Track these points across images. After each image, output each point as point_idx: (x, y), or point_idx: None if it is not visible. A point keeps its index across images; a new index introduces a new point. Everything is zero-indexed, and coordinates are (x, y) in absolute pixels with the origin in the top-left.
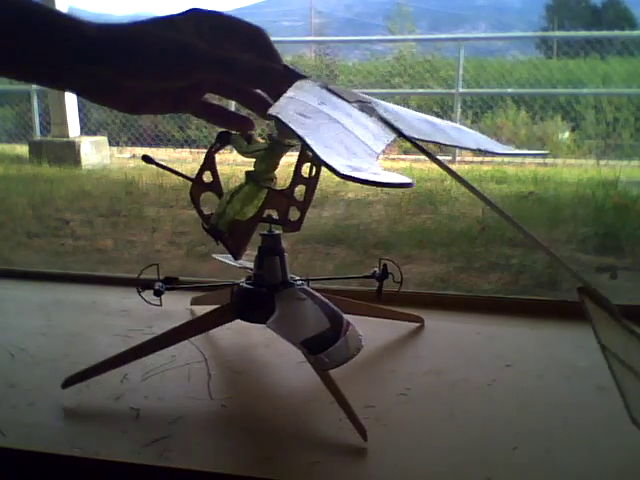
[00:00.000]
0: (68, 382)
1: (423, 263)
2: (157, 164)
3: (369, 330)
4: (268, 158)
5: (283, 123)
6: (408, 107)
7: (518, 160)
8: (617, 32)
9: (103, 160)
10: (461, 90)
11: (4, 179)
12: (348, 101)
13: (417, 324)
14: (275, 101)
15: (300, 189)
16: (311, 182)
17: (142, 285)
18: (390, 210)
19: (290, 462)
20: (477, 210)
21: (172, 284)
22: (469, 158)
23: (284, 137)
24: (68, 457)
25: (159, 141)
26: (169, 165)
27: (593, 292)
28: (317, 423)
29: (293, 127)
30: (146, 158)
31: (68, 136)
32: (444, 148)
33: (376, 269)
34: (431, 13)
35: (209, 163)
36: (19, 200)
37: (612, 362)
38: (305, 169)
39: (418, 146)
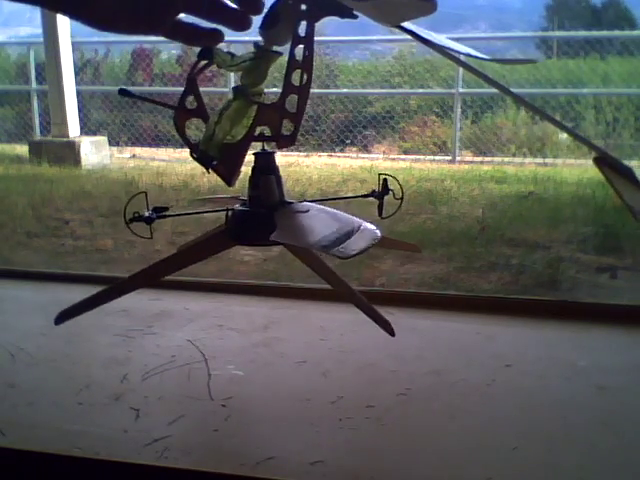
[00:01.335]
0: (62, 316)
1: (423, 263)
2: (133, 96)
3: (368, 330)
4: (255, 69)
5: None
6: (408, 107)
7: (518, 160)
8: (617, 32)
9: (103, 160)
10: (461, 90)
11: (4, 179)
12: None
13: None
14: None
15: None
16: (303, 90)
17: (132, 217)
18: (390, 210)
19: (290, 462)
20: (477, 210)
21: (162, 213)
22: (469, 158)
23: (271, 44)
24: (68, 457)
25: (159, 141)
26: (173, 163)
27: (609, 160)
28: (317, 423)
29: None
30: (122, 91)
31: (68, 136)
32: (444, 148)
33: (375, 188)
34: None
35: (192, 87)
36: (19, 200)
37: None
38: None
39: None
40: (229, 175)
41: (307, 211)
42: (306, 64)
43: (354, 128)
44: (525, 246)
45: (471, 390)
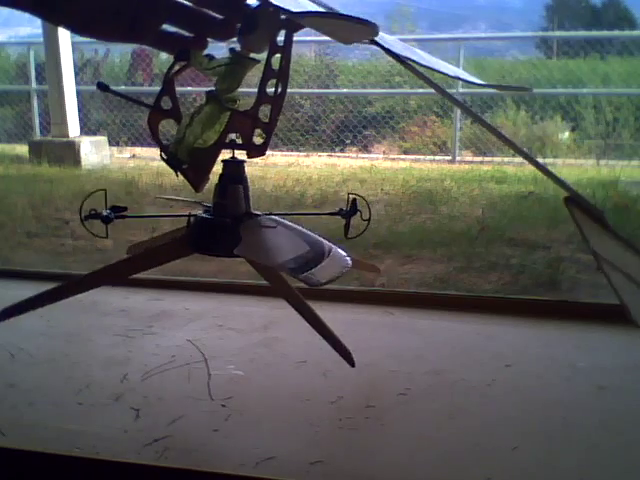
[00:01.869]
0: (3, 314)
1: (423, 263)
2: (113, 92)
3: (368, 330)
4: (230, 74)
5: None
6: (408, 107)
7: (518, 160)
8: (617, 32)
9: (103, 160)
10: (461, 90)
11: (4, 179)
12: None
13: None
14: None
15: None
16: (277, 100)
17: (88, 214)
18: (390, 210)
19: (290, 462)
20: (477, 210)
21: (121, 212)
22: (469, 158)
23: (248, 50)
24: (68, 457)
25: None
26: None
27: (581, 201)
28: (317, 423)
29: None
30: (100, 85)
31: (68, 136)
32: (444, 148)
33: (342, 207)
34: (431, 13)
35: (168, 88)
36: (19, 200)
37: (605, 268)
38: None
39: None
40: (197, 180)
41: (275, 227)
42: (282, 74)
43: (354, 128)
44: (525, 246)
45: (471, 390)
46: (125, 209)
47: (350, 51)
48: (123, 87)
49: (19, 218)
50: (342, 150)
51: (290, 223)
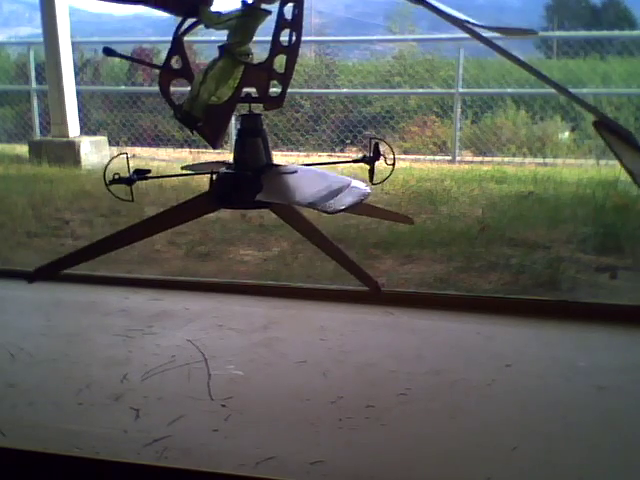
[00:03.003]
0: (38, 273)
1: (423, 263)
2: (119, 55)
3: (368, 330)
4: (242, 27)
5: None
6: (408, 107)
7: (518, 160)
8: (617, 32)
9: (103, 160)
10: (461, 90)
11: (4, 179)
12: None
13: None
14: None
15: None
16: (292, 50)
17: (112, 179)
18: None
19: (290, 462)
20: (477, 210)
21: (144, 174)
22: (469, 158)
23: (259, 2)
24: (68, 457)
25: (159, 141)
26: (173, 163)
27: (609, 123)
28: (317, 423)
29: None
30: (106, 50)
31: (68, 136)
32: (444, 148)
33: (366, 153)
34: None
35: (177, 47)
36: (19, 200)
37: None
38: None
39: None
40: (214, 137)
41: (295, 171)
42: (295, 23)
43: (354, 128)
44: (525, 246)
45: (471, 390)
46: (148, 171)
47: (350, 51)
48: (123, 87)
49: (19, 218)
50: (342, 150)
51: (310, 167)
